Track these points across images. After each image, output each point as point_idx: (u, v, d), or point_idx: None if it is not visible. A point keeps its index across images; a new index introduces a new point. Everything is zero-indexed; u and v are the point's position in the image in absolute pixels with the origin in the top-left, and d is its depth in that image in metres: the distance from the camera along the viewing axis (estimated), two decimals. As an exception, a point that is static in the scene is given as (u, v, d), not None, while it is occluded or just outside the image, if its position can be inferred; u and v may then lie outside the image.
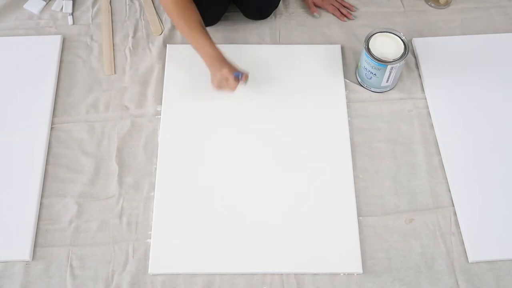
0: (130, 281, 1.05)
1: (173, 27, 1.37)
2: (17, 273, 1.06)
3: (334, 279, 1.05)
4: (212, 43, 1.16)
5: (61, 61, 1.32)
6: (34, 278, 1.05)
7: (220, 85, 1.17)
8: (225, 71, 1.14)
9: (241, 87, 1.18)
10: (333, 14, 1.40)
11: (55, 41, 1.34)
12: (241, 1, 1.34)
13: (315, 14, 1.40)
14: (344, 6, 1.41)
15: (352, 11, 1.41)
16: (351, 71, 1.31)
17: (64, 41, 1.35)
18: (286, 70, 1.29)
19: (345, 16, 1.40)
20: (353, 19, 1.40)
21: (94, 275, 1.06)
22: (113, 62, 1.32)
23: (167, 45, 1.33)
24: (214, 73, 1.16)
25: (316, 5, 1.41)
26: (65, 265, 1.07)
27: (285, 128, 1.21)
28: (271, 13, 1.39)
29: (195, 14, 1.16)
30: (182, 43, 1.34)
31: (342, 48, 1.34)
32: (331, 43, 1.35)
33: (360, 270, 1.05)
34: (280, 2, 1.39)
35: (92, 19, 1.39)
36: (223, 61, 1.15)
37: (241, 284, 1.05)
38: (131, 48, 1.34)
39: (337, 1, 1.42)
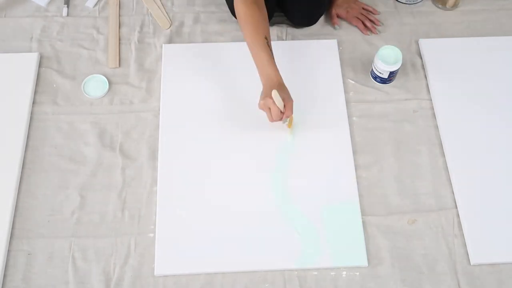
0: (132, 275, 1.05)
1: (180, 25, 1.37)
2: (19, 263, 1.06)
3: (336, 278, 1.05)
4: (272, 61, 1.10)
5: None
6: (36, 269, 1.05)
7: (262, 108, 1.10)
8: (271, 102, 1.06)
9: (280, 124, 1.15)
10: (357, 27, 1.36)
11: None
12: (287, 7, 1.31)
13: (336, 26, 1.35)
14: (370, 20, 1.36)
15: (377, 25, 1.36)
16: (357, 71, 1.30)
17: (70, 33, 1.36)
18: (284, 66, 1.28)
19: (368, 29, 1.35)
20: (377, 33, 1.35)
21: (96, 267, 1.05)
22: (118, 55, 1.31)
23: (163, 45, 1.32)
24: (264, 94, 1.09)
25: (339, 17, 1.36)
26: (67, 256, 1.07)
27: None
28: (317, 20, 1.36)
29: (263, 28, 1.11)
30: (189, 42, 1.34)
31: (349, 49, 1.34)
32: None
33: (366, 263, 1.05)
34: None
35: (99, 12, 1.39)
36: (276, 85, 1.08)
37: (243, 282, 1.05)
38: (137, 42, 1.34)
39: (363, 14, 1.36)
